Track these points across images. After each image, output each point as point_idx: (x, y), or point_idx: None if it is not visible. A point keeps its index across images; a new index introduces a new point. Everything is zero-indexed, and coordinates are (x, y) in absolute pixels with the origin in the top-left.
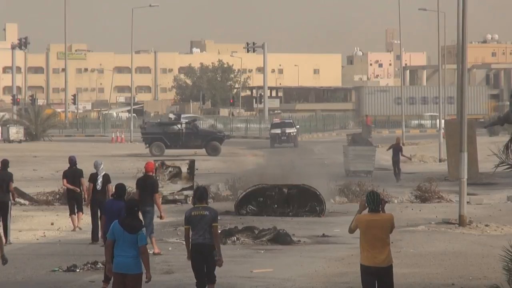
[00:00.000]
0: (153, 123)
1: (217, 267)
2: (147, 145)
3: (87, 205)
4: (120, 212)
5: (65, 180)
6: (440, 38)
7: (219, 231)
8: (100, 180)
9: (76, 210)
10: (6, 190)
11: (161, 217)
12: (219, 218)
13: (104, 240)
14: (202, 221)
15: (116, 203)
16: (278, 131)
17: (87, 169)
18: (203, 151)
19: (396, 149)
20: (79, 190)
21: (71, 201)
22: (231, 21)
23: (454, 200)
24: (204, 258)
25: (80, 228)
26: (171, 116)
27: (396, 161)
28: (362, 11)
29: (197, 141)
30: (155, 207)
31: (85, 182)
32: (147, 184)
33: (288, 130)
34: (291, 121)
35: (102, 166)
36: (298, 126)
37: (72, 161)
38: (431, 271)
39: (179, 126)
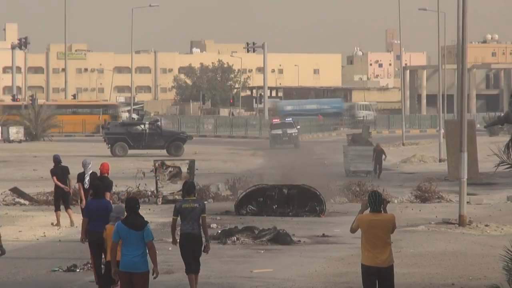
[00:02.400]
0: (116, 123)
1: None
2: (109, 145)
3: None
4: (108, 209)
5: (55, 178)
6: (440, 38)
7: (219, 231)
8: (87, 179)
9: (65, 208)
10: None
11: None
12: (219, 218)
13: (84, 240)
14: (192, 213)
15: (100, 202)
16: (279, 131)
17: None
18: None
19: (379, 153)
20: (68, 189)
21: (59, 198)
22: (231, 21)
23: (454, 200)
24: (192, 246)
25: (76, 226)
26: (134, 116)
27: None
28: (362, 11)
29: (160, 142)
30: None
31: (72, 178)
32: (104, 185)
33: (289, 131)
34: (292, 121)
35: (90, 166)
36: (299, 127)
37: (57, 159)
38: (431, 271)
39: (142, 126)
